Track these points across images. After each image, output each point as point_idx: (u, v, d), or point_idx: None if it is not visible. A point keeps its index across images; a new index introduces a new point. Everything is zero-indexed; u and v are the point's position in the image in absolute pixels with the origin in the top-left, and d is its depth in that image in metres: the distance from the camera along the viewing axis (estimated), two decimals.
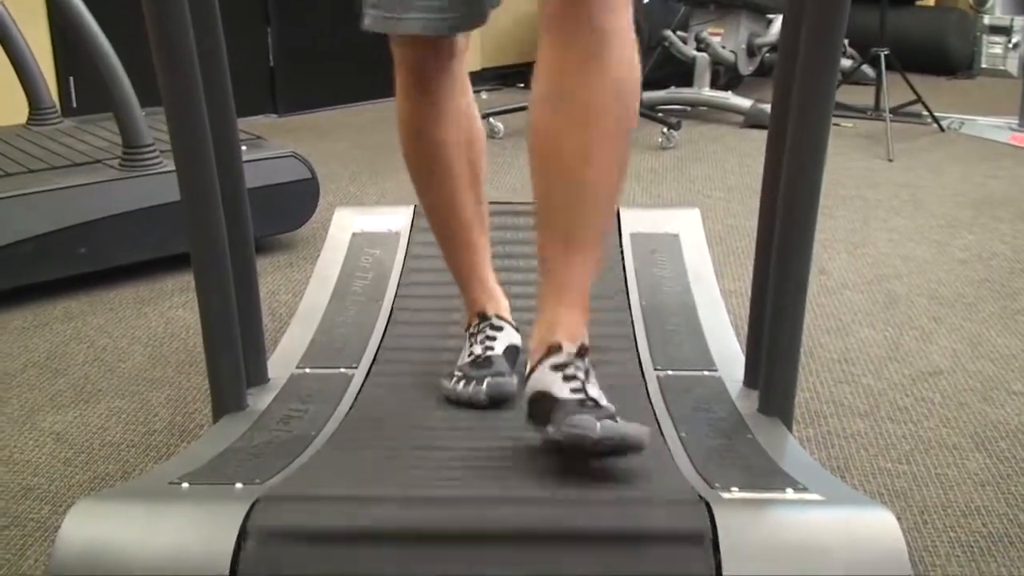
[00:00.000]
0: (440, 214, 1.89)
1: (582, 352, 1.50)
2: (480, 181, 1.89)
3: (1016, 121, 4.53)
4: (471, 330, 1.89)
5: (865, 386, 2.39)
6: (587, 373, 1.49)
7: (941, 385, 2.39)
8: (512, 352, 1.84)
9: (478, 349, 1.83)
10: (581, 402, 1.42)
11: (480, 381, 1.75)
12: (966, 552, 1.79)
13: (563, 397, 1.43)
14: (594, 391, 1.46)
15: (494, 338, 1.84)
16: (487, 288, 1.92)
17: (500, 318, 1.89)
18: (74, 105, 4.41)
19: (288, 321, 2.54)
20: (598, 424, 1.35)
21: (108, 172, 2.99)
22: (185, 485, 1.33)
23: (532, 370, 1.52)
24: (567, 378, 1.46)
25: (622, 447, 1.37)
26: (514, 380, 1.75)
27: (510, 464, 1.53)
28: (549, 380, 1.46)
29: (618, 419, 1.40)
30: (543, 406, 1.46)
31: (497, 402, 1.73)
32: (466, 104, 1.84)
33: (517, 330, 1.88)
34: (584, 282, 1.54)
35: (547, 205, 1.53)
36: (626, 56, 1.48)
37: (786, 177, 1.62)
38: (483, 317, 1.89)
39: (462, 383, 1.78)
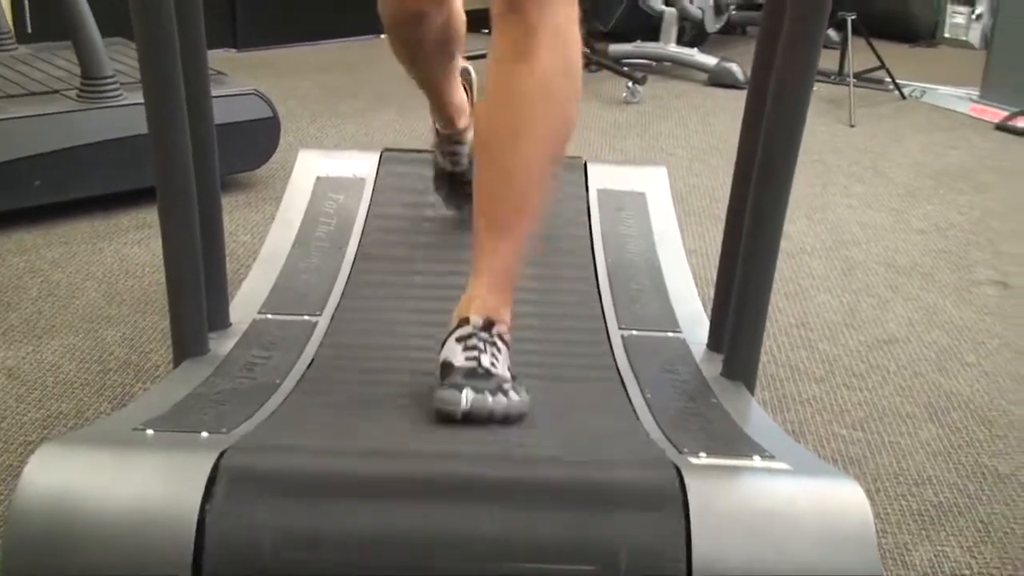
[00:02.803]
0: (417, 78, 2.11)
1: (488, 326, 1.57)
2: (455, 58, 2.09)
3: (976, 92, 4.56)
4: (437, 142, 2.27)
5: (821, 351, 2.41)
6: (488, 344, 1.55)
7: (896, 353, 2.42)
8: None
9: (448, 166, 2.25)
10: (472, 371, 1.51)
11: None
12: (916, 521, 1.82)
13: (458, 364, 1.52)
14: (488, 360, 1.53)
15: (456, 153, 2.23)
16: (449, 108, 2.19)
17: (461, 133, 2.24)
18: (29, 31, 4.29)
19: (247, 263, 2.51)
20: (464, 399, 1.45)
21: (66, 103, 2.92)
22: (150, 432, 1.31)
23: (444, 342, 1.57)
24: (467, 348, 1.54)
25: (493, 420, 1.46)
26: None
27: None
28: (452, 350, 1.55)
29: (510, 389, 1.50)
30: (445, 372, 1.54)
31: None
32: (448, 9, 1.93)
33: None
34: (506, 265, 1.59)
35: (479, 190, 1.61)
36: (559, 55, 1.55)
37: (763, 142, 1.61)
38: (444, 135, 2.24)
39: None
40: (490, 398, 1.47)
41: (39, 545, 1.12)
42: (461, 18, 2.00)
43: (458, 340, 1.55)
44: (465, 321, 1.56)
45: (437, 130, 2.25)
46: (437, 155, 2.27)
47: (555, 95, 1.56)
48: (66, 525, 1.12)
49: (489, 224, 1.59)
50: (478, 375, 1.50)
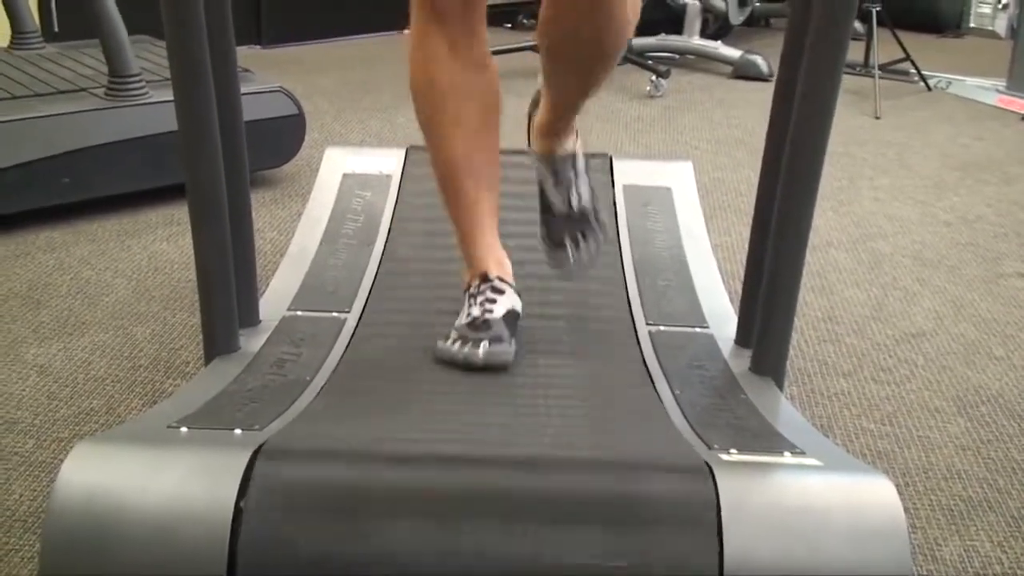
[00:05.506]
0: (445, 164, 1.80)
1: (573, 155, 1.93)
2: (492, 132, 1.81)
3: (1003, 83, 4.53)
4: (471, 291, 1.80)
5: (849, 346, 2.40)
6: (575, 173, 1.92)
7: (924, 347, 2.41)
8: (512, 317, 1.77)
9: (477, 311, 1.75)
10: (567, 215, 1.90)
11: (477, 344, 1.68)
12: (946, 515, 1.81)
13: (558, 209, 1.91)
14: (583, 188, 1.92)
15: (495, 301, 1.76)
16: (491, 248, 1.83)
17: (503, 280, 1.81)
18: (56, 30, 4.32)
19: (275, 260, 2.52)
20: (572, 258, 1.88)
21: (93, 101, 2.94)
22: (184, 429, 1.32)
23: (537, 149, 1.94)
24: (557, 183, 1.91)
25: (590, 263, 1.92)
26: (512, 348, 1.72)
27: (508, 414, 1.54)
28: (544, 175, 1.93)
29: (594, 212, 1.92)
30: (540, 194, 1.96)
31: (494, 368, 1.68)
32: (484, 49, 1.77)
33: (519, 294, 1.83)
34: (573, 117, 1.91)
35: (554, 85, 1.82)
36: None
37: (792, 136, 1.61)
38: (484, 279, 1.80)
39: (458, 344, 1.70)
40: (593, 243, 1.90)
41: (76, 542, 1.13)
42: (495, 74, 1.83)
43: (556, 186, 1.91)
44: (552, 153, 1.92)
45: (470, 282, 1.83)
46: (466, 306, 1.79)
47: (622, 31, 1.67)
48: (102, 523, 1.14)
49: (568, 108, 1.87)
50: (572, 219, 1.90)
